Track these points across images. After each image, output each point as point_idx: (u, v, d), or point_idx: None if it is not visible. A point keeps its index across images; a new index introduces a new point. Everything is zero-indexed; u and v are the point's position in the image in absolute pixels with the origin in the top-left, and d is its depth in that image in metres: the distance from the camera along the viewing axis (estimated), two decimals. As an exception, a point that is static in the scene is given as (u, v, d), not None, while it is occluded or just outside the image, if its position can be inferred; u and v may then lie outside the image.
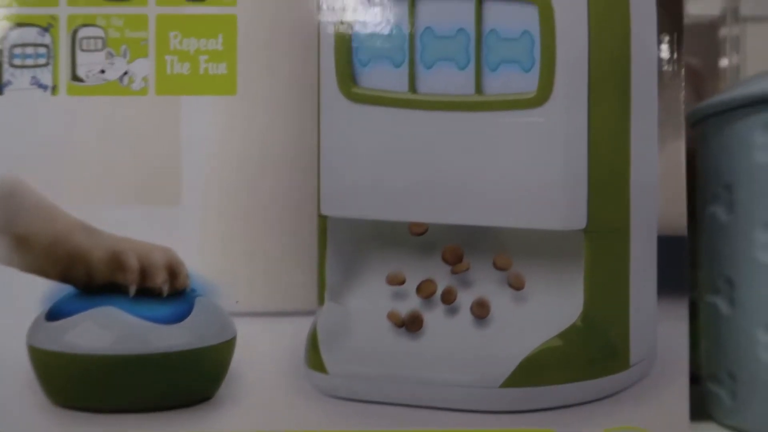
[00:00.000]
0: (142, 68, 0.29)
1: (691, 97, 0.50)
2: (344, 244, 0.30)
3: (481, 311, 0.29)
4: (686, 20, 0.62)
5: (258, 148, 0.29)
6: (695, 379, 0.35)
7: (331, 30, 0.29)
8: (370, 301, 0.30)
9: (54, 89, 0.29)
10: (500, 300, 0.30)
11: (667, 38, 0.29)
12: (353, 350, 0.29)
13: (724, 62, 0.59)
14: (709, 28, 0.59)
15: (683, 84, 0.29)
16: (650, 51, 0.29)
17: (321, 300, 0.30)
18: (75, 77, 0.29)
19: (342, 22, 0.29)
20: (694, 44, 0.59)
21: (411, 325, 0.29)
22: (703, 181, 0.35)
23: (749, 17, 0.57)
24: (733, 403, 0.32)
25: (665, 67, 0.29)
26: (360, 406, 0.28)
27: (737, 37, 0.57)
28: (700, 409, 0.34)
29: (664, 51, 0.29)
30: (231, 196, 0.30)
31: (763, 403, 0.31)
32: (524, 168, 0.27)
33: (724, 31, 0.58)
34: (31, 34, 0.28)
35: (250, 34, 0.29)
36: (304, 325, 0.29)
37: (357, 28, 0.29)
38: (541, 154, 0.27)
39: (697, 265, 0.36)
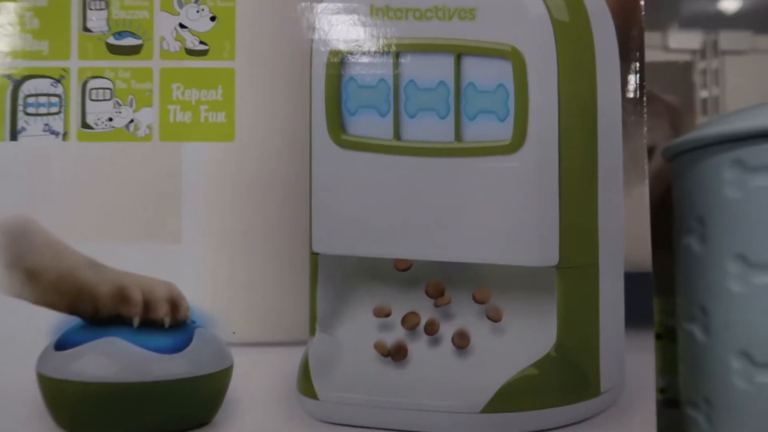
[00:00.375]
0: (147, 116, 0.30)
1: (669, 132, 0.51)
2: (334, 279, 0.31)
3: (461, 342, 0.30)
4: (668, 55, 0.63)
5: (254, 190, 0.30)
6: (675, 404, 0.37)
7: (322, 82, 0.30)
8: (358, 332, 0.31)
9: (65, 136, 0.30)
10: (479, 331, 0.30)
11: (630, 88, 0.30)
12: (342, 378, 0.30)
13: (704, 94, 0.59)
14: (687, 63, 0.60)
15: (646, 131, 0.30)
16: (615, 101, 0.30)
17: (312, 331, 0.31)
18: (85, 125, 0.30)
19: (332, 75, 0.30)
20: (674, 77, 0.60)
21: (396, 354, 0.30)
22: (678, 214, 0.36)
23: (728, 51, 0.59)
24: (710, 427, 0.33)
25: (630, 117, 0.30)
26: (349, 430, 0.29)
27: (717, 70, 0.59)
28: (680, 432, 0.35)
29: (629, 101, 0.30)
30: (228, 234, 0.30)
31: (737, 428, 0.31)
32: (500, 209, 0.29)
33: (703, 64, 0.60)
34: (44, 85, 0.30)
35: (247, 85, 0.30)
36: (296, 354, 0.30)
37: (346, 80, 0.30)
38: (516, 196, 0.29)
39: (675, 294, 0.37)
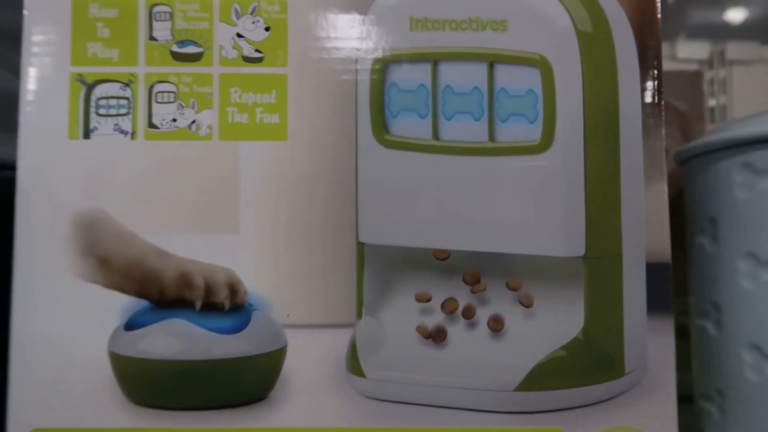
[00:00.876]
0: (208, 118, 0.31)
1: (679, 137, 0.51)
2: (379, 267, 0.33)
3: (496, 325, 0.32)
4: (676, 64, 0.64)
5: (305, 186, 0.31)
6: (688, 399, 0.37)
7: (366, 87, 0.31)
8: (402, 315, 0.32)
9: (133, 135, 0.31)
10: (512, 316, 0.32)
11: (649, 93, 0.31)
12: (387, 358, 0.31)
13: (712, 102, 0.61)
14: (695, 72, 0.61)
15: (664, 133, 0.31)
16: (635, 105, 0.31)
17: (359, 314, 0.32)
18: (151, 125, 0.31)
19: (376, 81, 0.31)
20: (683, 86, 0.61)
21: (436, 336, 0.32)
22: (690, 215, 0.37)
23: (735, 60, 0.60)
24: (723, 418, 0.34)
25: (649, 120, 0.31)
26: (393, 406, 0.30)
27: (724, 80, 0.60)
28: (693, 427, 0.36)
29: (648, 105, 0.31)
30: (282, 225, 0.31)
31: (749, 418, 0.33)
32: (531, 204, 0.30)
33: (711, 74, 0.61)
34: (114, 89, 0.31)
35: (298, 90, 0.31)
36: (345, 336, 0.31)
37: (388, 85, 0.31)
38: (545, 192, 0.30)
39: (687, 292, 0.38)
